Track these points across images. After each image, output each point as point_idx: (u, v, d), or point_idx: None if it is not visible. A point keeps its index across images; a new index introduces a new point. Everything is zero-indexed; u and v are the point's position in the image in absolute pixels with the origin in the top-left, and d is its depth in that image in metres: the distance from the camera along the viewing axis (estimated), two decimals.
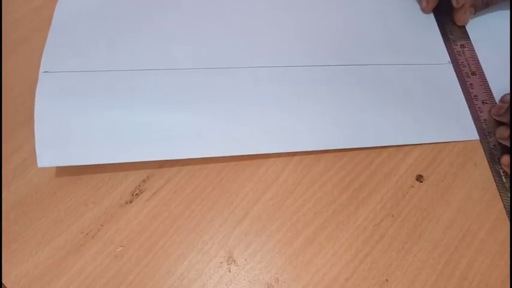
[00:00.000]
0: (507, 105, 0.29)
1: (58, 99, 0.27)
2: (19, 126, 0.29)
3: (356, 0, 0.35)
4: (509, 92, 0.30)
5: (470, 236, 0.26)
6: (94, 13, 0.31)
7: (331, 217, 0.27)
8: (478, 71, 0.32)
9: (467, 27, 0.34)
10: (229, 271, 0.25)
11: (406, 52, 0.32)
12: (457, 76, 0.32)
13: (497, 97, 0.31)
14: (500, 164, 0.28)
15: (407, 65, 0.32)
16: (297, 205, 0.27)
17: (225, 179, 0.28)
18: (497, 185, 0.28)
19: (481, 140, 0.29)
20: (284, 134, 0.28)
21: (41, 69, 0.28)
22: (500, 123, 0.29)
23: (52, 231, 0.26)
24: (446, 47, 0.33)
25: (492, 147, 0.29)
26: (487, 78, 0.32)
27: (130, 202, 0.27)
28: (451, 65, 0.32)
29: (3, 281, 0.24)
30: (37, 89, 0.27)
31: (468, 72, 0.32)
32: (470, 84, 0.31)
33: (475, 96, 0.31)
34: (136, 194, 0.27)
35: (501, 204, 0.27)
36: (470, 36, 0.34)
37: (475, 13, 0.33)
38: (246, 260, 0.25)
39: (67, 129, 0.26)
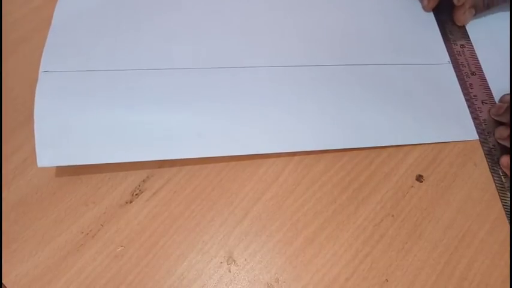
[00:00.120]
0: (506, 105, 0.29)
1: (58, 98, 0.27)
2: (19, 126, 0.29)
3: (356, 0, 0.35)
4: (508, 92, 0.30)
5: (470, 236, 0.26)
6: (94, 13, 0.31)
7: (331, 217, 0.27)
8: (477, 71, 0.32)
9: (467, 27, 0.34)
10: (229, 271, 0.25)
11: (406, 52, 0.32)
12: (457, 76, 0.32)
13: (496, 97, 0.31)
14: (499, 165, 0.28)
15: (407, 65, 0.32)
16: (297, 205, 0.27)
17: (225, 179, 0.28)
18: (496, 185, 0.28)
19: (480, 140, 0.29)
20: (284, 134, 0.28)
21: (41, 69, 0.28)
22: (500, 123, 0.29)
23: (52, 231, 0.26)
24: (446, 47, 0.33)
25: (491, 147, 0.29)
26: (487, 79, 0.32)
27: (130, 202, 0.27)
28: (450, 65, 0.32)
29: (3, 281, 0.24)
30: (37, 88, 0.27)
31: (468, 72, 0.32)
32: (470, 84, 0.32)
33: (474, 96, 0.31)
34: (136, 194, 0.27)
35: (501, 204, 0.27)
36: (470, 36, 0.34)
37: (475, 14, 0.33)
38: (246, 260, 0.25)
39: (67, 129, 0.26)
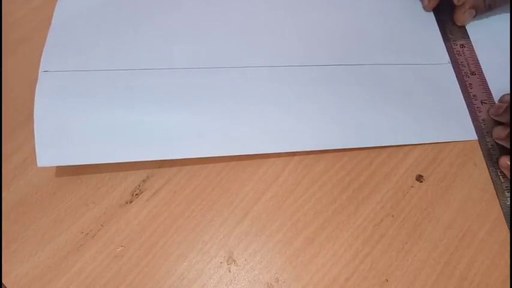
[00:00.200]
0: (506, 104, 0.29)
1: (58, 98, 0.27)
2: (19, 126, 0.29)
3: (356, 0, 0.35)
4: (508, 92, 0.30)
5: (470, 236, 0.26)
6: (94, 13, 0.31)
7: (331, 217, 0.27)
8: (477, 71, 0.32)
9: (468, 28, 0.34)
10: (229, 271, 0.25)
11: (406, 52, 0.32)
12: (456, 76, 0.32)
13: (496, 97, 0.31)
14: (498, 165, 0.28)
15: (407, 65, 0.32)
16: (297, 205, 0.27)
17: (225, 179, 0.28)
18: (494, 186, 0.28)
19: (479, 140, 0.29)
20: (284, 134, 0.28)
21: (41, 69, 0.28)
22: (498, 123, 0.29)
23: (52, 231, 0.26)
24: (446, 46, 0.33)
25: (490, 147, 0.29)
26: (487, 79, 0.32)
27: (130, 202, 0.27)
28: (450, 65, 0.32)
29: (3, 281, 0.24)
30: (37, 88, 0.27)
31: (467, 72, 0.32)
32: (470, 84, 0.32)
33: (473, 96, 0.31)
34: (136, 194, 0.27)
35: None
36: (470, 36, 0.34)
37: (476, 15, 0.33)
38: (246, 260, 0.25)
39: (67, 129, 0.26)
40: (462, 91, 0.31)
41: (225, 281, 0.25)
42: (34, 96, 0.27)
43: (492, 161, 0.29)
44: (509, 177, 0.28)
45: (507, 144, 0.28)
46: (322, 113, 0.29)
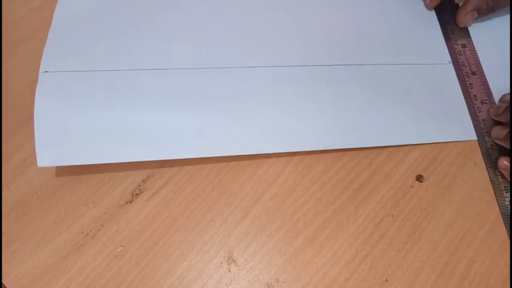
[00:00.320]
0: (506, 104, 0.29)
1: (58, 99, 0.27)
2: (19, 126, 0.29)
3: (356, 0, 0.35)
4: (508, 92, 0.30)
5: (470, 236, 0.26)
6: (94, 13, 0.31)
7: (331, 217, 0.27)
8: (478, 71, 0.32)
9: (469, 28, 0.34)
10: (229, 271, 0.25)
11: (407, 52, 0.32)
12: (457, 76, 0.32)
13: (496, 97, 0.31)
14: (497, 165, 0.28)
15: (408, 65, 0.32)
16: (297, 205, 0.27)
17: (225, 179, 0.28)
18: (493, 186, 0.28)
19: (478, 140, 0.29)
20: (284, 134, 0.28)
21: (41, 69, 0.28)
22: (498, 123, 0.29)
23: (52, 231, 0.26)
24: (448, 46, 0.33)
25: (489, 147, 0.29)
26: (487, 79, 0.32)
27: (130, 202, 0.27)
28: (451, 65, 0.32)
29: (3, 281, 0.24)
30: (37, 88, 0.27)
31: (468, 72, 0.32)
32: (470, 84, 0.31)
33: (474, 96, 0.31)
34: (136, 194, 0.27)
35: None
36: (471, 36, 0.34)
37: (478, 17, 0.33)
38: (246, 260, 0.25)
39: (67, 129, 0.26)
40: (463, 91, 0.31)
41: (225, 281, 0.25)
42: (34, 96, 0.27)
43: (491, 161, 0.29)
44: (508, 178, 0.27)
45: (506, 144, 0.28)
46: (322, 113, 0.29)
